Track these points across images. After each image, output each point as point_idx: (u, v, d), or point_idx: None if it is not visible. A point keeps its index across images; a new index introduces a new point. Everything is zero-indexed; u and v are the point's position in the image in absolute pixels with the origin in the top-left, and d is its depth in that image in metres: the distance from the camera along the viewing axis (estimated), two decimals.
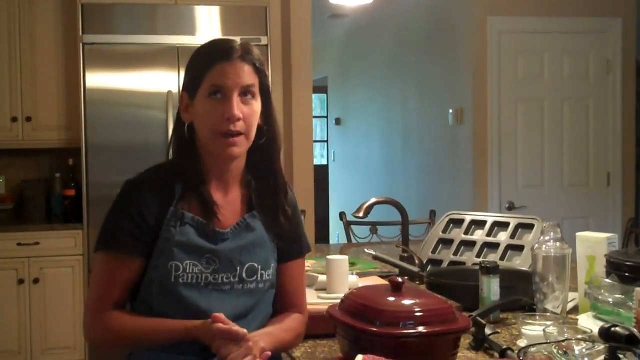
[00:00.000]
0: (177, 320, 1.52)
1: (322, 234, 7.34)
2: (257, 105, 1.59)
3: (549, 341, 1.37)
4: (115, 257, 1.55)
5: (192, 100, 1.59)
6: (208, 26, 4.47)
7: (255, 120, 1.59)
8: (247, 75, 1.56)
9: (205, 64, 1.57)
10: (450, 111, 5.37)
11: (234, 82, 1.54)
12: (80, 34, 4.28)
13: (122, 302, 1.57)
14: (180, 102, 1.63)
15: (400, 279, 1.52)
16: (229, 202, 1.62)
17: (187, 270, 1.54)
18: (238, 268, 1.59)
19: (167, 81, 4.35)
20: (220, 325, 1.45)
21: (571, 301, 2.04)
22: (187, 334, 1.50)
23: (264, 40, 4.44)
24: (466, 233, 2.70)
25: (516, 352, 1.49)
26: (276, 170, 1.66)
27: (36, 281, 4.29)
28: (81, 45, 4.27)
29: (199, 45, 1.64)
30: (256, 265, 1.61)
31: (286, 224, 1.66)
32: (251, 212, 1.64)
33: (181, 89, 1.65)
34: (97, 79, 4.30)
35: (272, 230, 1.65)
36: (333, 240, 8.00)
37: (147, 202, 1.55)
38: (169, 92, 4.32)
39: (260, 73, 1.59)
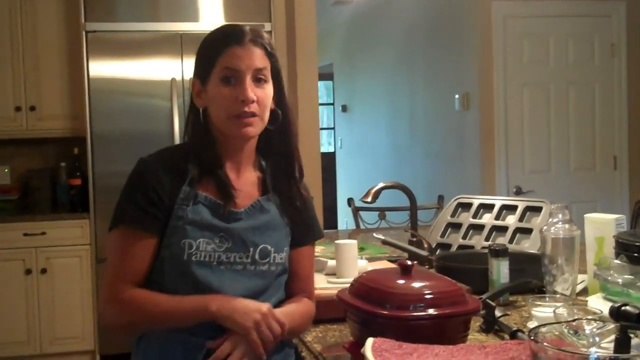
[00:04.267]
0: (194, 297, 1.50)
1: (330, 221, 7.35)
2: (269, 88, 1.59)
3: (559, 321, 1.36)
4: (128, 233, 1.54)
5: (204, 85, 1.59)
6: (211, 12, 4.45)
7: (268, 103, 1.59)
8: (259, 58, 1.57)
9: (217, 48, 1.57)
10: (457, 96, 5.35)
11: (246, 65, 1.55)
12: (83, 21, 4.27)
13: (140, 281, 1.54)
14: (192, 88, 1.64)
15: (409, 262, 1.52)
16: (242, 184, 1.62)
17: (200, 248, 1.54)
18: (251, 249, 1.58)
19: (171, 68, 4.33)
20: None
21: (580, 283, 2.03)
22: (206, 312, 1.48)
23: (268, 27, 4.41)
24: (474, 217, 2.69)
25: (527, 332, 1.49)
26: (292, 153, 1.67)
27: (43, 271, 4.29)
28: (84, 33, 4.27)
29: (206, 32, 1.63)
30: (269, 247, 1.60)
31: (301, 207, 1.66)
32: (266, 194, 1.64)
33: (192, 77, 1.65)
34: (100, 67, 4.29)
35: (287, 214, 1.65)
36: (341, 227, 7.97)
37: (161, 180, 1.55)
38: (173, 80, 4.30)
39: (272, 57, 1.60)
